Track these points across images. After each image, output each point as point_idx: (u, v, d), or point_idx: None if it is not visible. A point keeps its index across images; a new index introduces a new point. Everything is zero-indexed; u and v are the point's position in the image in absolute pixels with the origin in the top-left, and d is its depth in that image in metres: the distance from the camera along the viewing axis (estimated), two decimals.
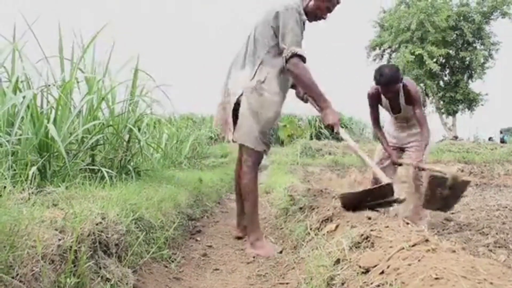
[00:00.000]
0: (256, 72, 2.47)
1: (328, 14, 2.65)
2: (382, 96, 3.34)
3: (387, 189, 2.16)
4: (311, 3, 2.57)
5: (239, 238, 2.97)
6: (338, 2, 2.65)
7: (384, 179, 2.23)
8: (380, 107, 3.52)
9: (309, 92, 2.53)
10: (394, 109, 3.40)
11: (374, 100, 3.42)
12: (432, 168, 3.06)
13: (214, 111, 2.92)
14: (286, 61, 2.38)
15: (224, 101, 2.69)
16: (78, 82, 2.99)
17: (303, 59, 2.38)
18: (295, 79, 2.45)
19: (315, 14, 2.61)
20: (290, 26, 2.39)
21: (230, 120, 2.59)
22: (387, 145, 3.46)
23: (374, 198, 2.20)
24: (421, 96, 3.24)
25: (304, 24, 2.54)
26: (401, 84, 3.18)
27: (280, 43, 2.44)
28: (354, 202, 2.21)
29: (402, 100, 3.26)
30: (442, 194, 2.86)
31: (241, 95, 2.49)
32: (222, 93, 2.74)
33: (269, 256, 2.42)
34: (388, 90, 3.14)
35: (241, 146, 2.64)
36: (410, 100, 3.23)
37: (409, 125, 3.52)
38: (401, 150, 3.61)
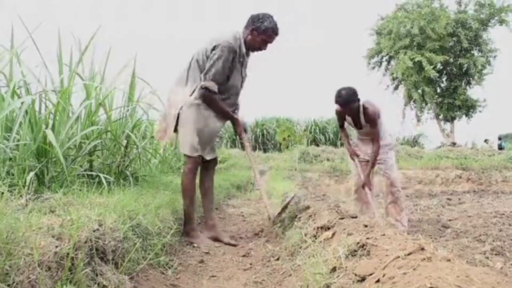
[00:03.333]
0: (194, 90, 2.88)
1: (269, 45, 3.01)
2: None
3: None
4: (249, 37, 2.94)
5: (215, 239, 3.03)
6: (276, 34, 2.97)
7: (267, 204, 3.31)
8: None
9: (219, 113, 2.97)
10: (357, 125, 3.87)
11: (340, 116, 3.90)
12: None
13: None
14: (201, 88, 2.85)
15: (166, 112, 3.05)
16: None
17: (211, 91, 2.84)
18: (206, 104, 2.91)
19: (253, 46, 2.99)
20: (214, 61, 2.82)
21: (171, 129, 2.96)
22: (348, 144, 4.04)
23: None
24: (378, 117, 3.70)
25: (243, 55, 2.96)
26: (358, 104, 3.64)
27: (202, 73, 2.88)
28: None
29: (362, 118, 3.74)
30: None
31: (181, 108, 2.89)
32: (165, 104, 3.12)
33: (205, 245, 2.83)
34: (346, 109, 3.65)
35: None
36: (367, 119, 3.70)
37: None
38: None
